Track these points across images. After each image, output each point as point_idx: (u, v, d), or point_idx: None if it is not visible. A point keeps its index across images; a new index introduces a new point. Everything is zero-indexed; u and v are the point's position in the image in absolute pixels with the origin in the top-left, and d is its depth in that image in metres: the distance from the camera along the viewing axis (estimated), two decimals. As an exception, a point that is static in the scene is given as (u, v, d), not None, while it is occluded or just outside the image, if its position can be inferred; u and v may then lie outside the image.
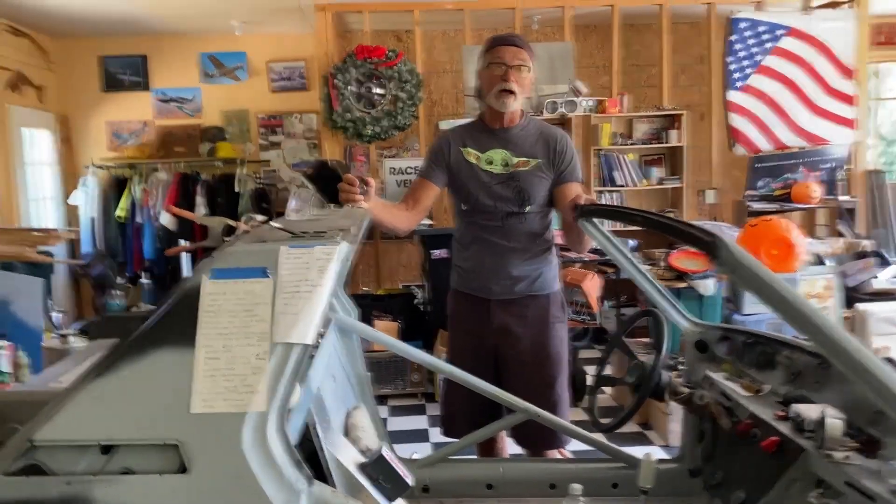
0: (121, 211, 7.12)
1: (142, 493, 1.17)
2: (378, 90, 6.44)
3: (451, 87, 7.69)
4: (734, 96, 6.59)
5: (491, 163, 2.69)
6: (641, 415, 4.42)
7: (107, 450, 1.22)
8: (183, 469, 1.19)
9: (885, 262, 5.37)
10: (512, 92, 2.61)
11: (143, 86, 7.53)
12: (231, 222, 1.64)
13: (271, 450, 1.19)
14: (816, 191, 6.38)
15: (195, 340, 1.23)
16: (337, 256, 1.31)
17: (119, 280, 6.18)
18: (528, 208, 2.67)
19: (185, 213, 1.73)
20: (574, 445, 2.69)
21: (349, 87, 6.37)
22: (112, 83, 7.50)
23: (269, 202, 7.48)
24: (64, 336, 1.95)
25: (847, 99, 6.64)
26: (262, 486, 1.16)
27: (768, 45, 6.57)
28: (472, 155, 2.70)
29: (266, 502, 1.15)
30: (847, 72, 6.60)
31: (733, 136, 6.63)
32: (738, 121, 6.62)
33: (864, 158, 6.90)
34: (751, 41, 6.56)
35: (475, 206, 2.69)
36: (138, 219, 7.17)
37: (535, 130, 2.74)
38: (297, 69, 7.66)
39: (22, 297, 3.85)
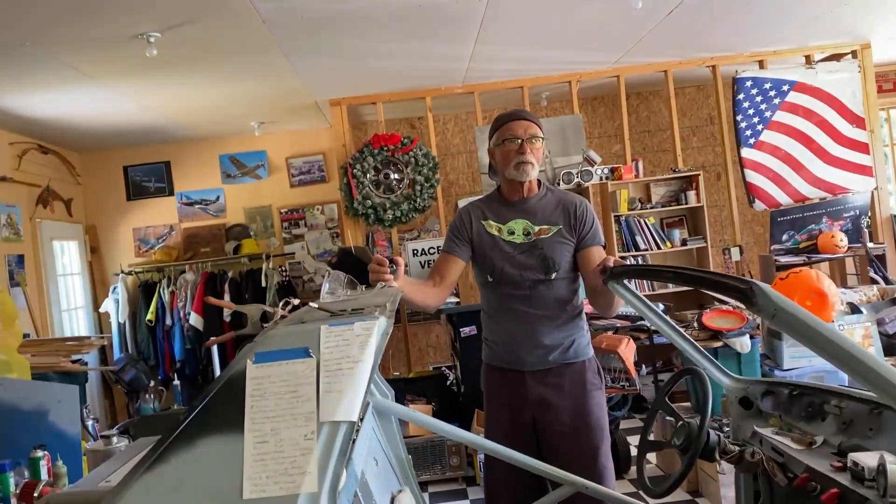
0: (150, 314, 7.20)
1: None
2: (395, 175, 6.57)
3: (465, 167, 7.84)
4: (748, 153, 6.65)
5: (513, 233, 2.72)
6: (691, 482, 4.28)
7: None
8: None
9: (922, 306, 5.26)
10: (530, 162, 2.67)
11: (168, 191, 7.73)
12: (268, 308, 1.66)
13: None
14: (843, 239, 6.34)
15: (243, 426, 1.23)
16: (377, 331, 1.32)
17: (151, 383, 6.19)
18: (553, 275, 2.67)
19: (223, 303, 1.75)
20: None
21: (367, 175, 6.51)
22: (137, 191, 7.72)
23: (294, 294, 7.54)
24: (107, 437, 1.95)
25: (861, 147, 6.67)
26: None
27: (776, 101, 6.67)
28: (493, 227, 2.74)
29: None
30: (858, 121, 6.66)
31: (752, 192, 6.65)
32: (754, 177, 6.66)
33: (887, 204, 6.86)
34: (758, 98, 6.66)
35: (501, 276, 2.70)
36: (167, 321, 7.25)
37: (554, 199, 2.78)
38: (315, 162, 7.85)
39: (59, 405, 3.86)
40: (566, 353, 2.66)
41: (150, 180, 7.70)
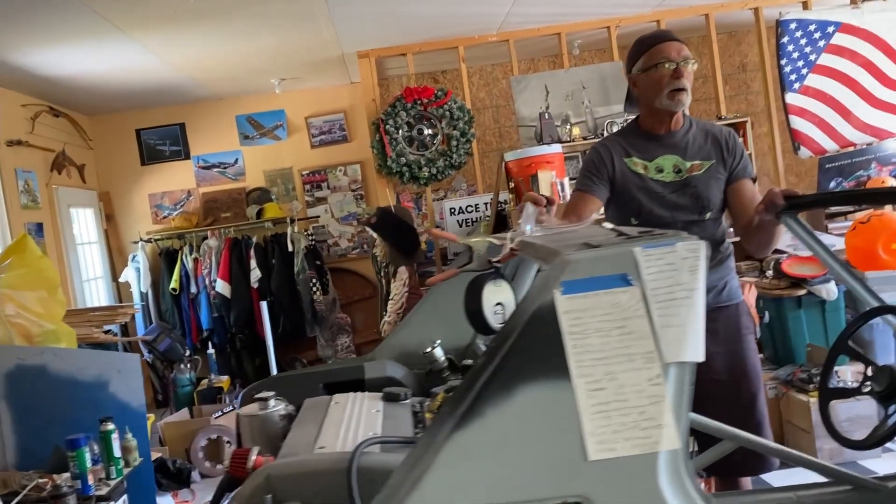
0: (174, 283, 6.91)
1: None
2: (429, 131, 6.28)
3: (492, 123, 7.55)
4: (793, 98, 6.42)
5: (661, 171, 2.48)
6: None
7: (486, 517, 0.97)
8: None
9: None
10: (686, 89, 2.42)
11: (184, 154, 7.39)
12: (495, 240, 1.42)
13: (693, 497, 0.95)
14: (893, 185, 6.17)
15: (568, 370, 0.99)
16: (703, 253, 1.08)
17: (187, 352, 5.93)
18: (707, 215, 2.46)
19: (447, 235, 1.50)
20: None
21: (400, 132, 6.22)
22: (151, 155, 7.37)
23: (321, 258, 7.28)
24: (263, 399, 1.71)
25: (908, 89, 6.47)
26: (702, 542, 0.92)
27: (821, 43, 6.43)
28: (638, 165, 2.49)
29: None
30: (904, 61, 6.45)
31: (797, 139, 6.44)
32: (799, 123, 6.43)
33: (934, 147, 6.69)
34: (802, 41, 6.42)
35: (648, 219, 2.46)
36: (192, 289, 6.96)
37: (702, 130, 2.54)
38: (336, 122, 7.53)
39: (120, 376, 3.61)
40: (720, 296, 2.45)
41: (164, 144, 7.34)
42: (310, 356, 7.20)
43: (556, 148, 5.36)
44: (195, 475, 4.85)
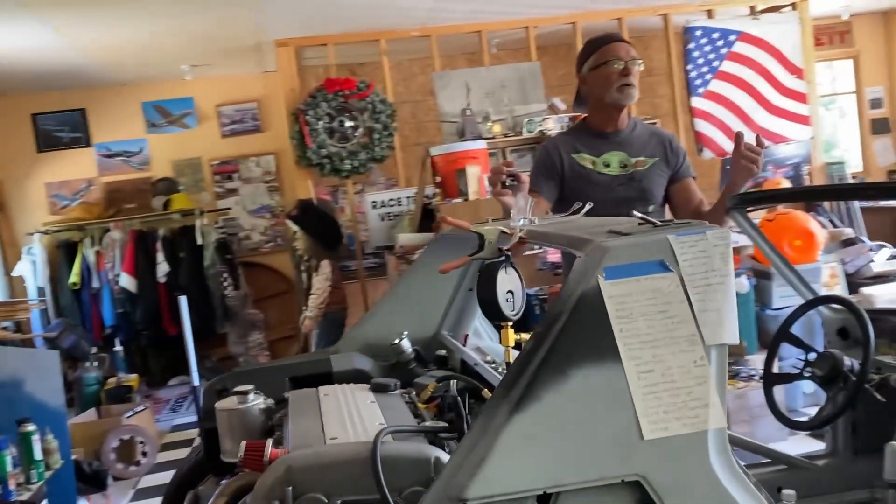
0: (74, 277, 6.54)
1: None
2: (350, 123, 6.21)
3: (410, 118, 7.54)
4: (697, 102, 6.76)
5: (608, 165, 2.57)
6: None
7: (544, 498, 0.98)
8: (648, 508, 0.97)
9: (879, 246, 5.56)
10: (633, 85, 2.52)
11: (85, 142, 7.00)
12: (506, 229, 1.42)
13: (738, 473, 0.99)
14: (785, 186, 6.59)
15: (618, 353, 1.01)
16: (730, 242, 1.13)
17: (93, 350, 5.63)
18: (651, 208, 2.57)
19: (460, 223, 1.49)
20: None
21: (321, 123, 6.12)
22: (48, 142, 6.94)
23: (231, 252, 7.07)
24: (243, 393, 1.66)
25: (800, 97, 6.93)
26: (752, 515, 0.96)
27: (723, 50, 6.79)
28: (586, 160, 2.57)
29: (762, 535, 0.95)
30: (797, 71, 6.90)
31: (700, 141, 6.78)
32: (703, 126, 6.78)
33: (821, 153, 7.19)
34: (707, 48, 6.76)
35: (594, 211, 2.54)
36: (94, 284, 6.61)
37: (646, 130, 2.67)
38: (249, 111, 7.33)
39: (38, 374, 3.39)
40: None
41: (63, 130, 6.93)
42: (220, 353, 6.99)
43: (482, 144, 5.43)
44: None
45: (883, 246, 5.72)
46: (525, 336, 1.37)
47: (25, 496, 2.90)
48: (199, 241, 6.77)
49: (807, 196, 1.99)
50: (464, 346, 2.16)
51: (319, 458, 1.24)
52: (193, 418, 5.99)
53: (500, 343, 1.36)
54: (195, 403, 4.63)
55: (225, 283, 6.79)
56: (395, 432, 1.30)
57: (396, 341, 2.13)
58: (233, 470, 1.77)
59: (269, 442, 1.25)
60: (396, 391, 1.69)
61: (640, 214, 1.19)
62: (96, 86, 6.86)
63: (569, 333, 1.02)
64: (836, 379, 2.12)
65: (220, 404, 1.67)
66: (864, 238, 6.08)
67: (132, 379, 5.68)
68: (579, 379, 1.00)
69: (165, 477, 4.78)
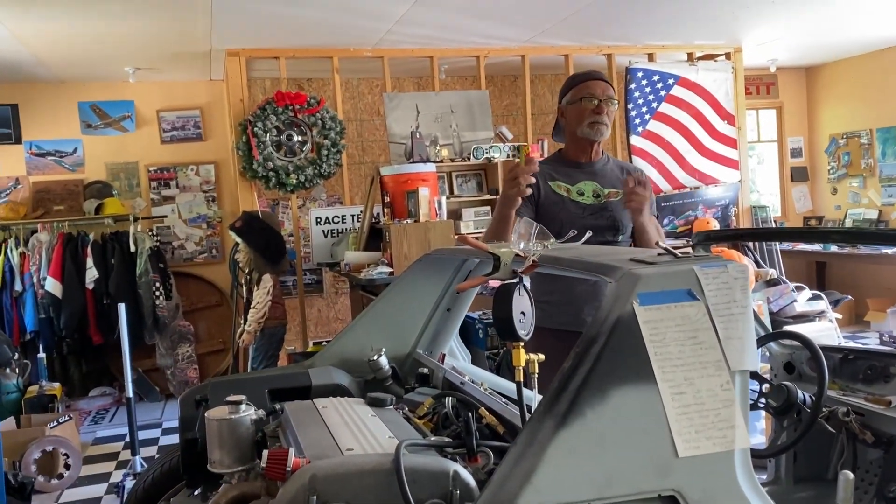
0: (-5, 278, 6.24)
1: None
2: (299, 138, 6.18)
3: (356, 136, 7.56)
4: (636, 141, 7.03)
5: (582, 194, 2.67)
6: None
7: (588, 511, 1.03)
8: (682, 522, 1.03)
9: (799, 288, 5.88)
10: (605, 123, 2.63)
11: (14, 138, 6.72)
12: (519, 252, 1.47)
13: (760, 490, 1.06)
14: (715, 226, 6.91)
15: (653, 375, 1.08)
16: (749, 276, 1.21)
17: (15, 356, 5.36)
18: (620, 237, 2.68)
19: (476, 243, 1.52)
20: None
21: (269, 136, 6.07)
22: (-25, 135, 6.63)
23: (164, 262, 6.89)
24: (234, 403, 1.64)
25: (730, 142, 7.31)
26: (775, 530, 1.04)
27: (662, 92, 7.10)
28: (561, 188, 2.67)
29: (785, 549, 1.02)
30: (729, 117, 7.28)
31: (637, 177, 7.04)
32: (641, 164, 7.04)
33: (748, 196, 7.57)
34: (647, 89, 7.05)
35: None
36: (17, 287, 6.32)
37: (616, 165, 2.79)
38: (191, 118, 7.20)
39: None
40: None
41: (-8, 124, 6.64)
42: (146, 364, 6.77)
43: (431, 167, 5.50)
44: (28, 491, 4.39)
45: (802, 287, 6.05)
46: (534, 357, 1.42)
47: (-43, 507, 2.75)
48: (133, 247, 6.56)
49: (772, 237, 2.13)
50: (441, 364, 2.20)
51: (343, 467, 1.25)
52: (117, 430, 5.79)
53: (512, 363, 1.40)
54: (128, 415, 4.48)
55: (156, 293, 6.60)
56: (413, 445, 1.32)
57: (375, 357, 2.15)
58: (213, 480, 1.74)
59: (292, 451, 1.25)
60: (391, 406, 1.71)
61: (663, 246, 1.26)
62: (31, 80, 6.62)
63: (608, 355, 1.08)
64: (790, 410, 2.25)
65: (211, 413, 1.65)
66: (785, 279, 6.43)
67: (55, 388, 5.45)
68: (619, 398, 1.06)
69: (89, 491, 4.60)
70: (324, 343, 6.41)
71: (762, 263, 6.78)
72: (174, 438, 5.40)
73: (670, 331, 1.11)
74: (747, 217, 7.45)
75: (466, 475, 1.28)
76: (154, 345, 6.71)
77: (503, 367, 4.46)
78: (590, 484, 1.02)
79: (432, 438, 1.47)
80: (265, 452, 1.26)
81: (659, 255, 1.28)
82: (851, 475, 2.15)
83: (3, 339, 5.32)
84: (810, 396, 2.32)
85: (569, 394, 1.05)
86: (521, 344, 1.41)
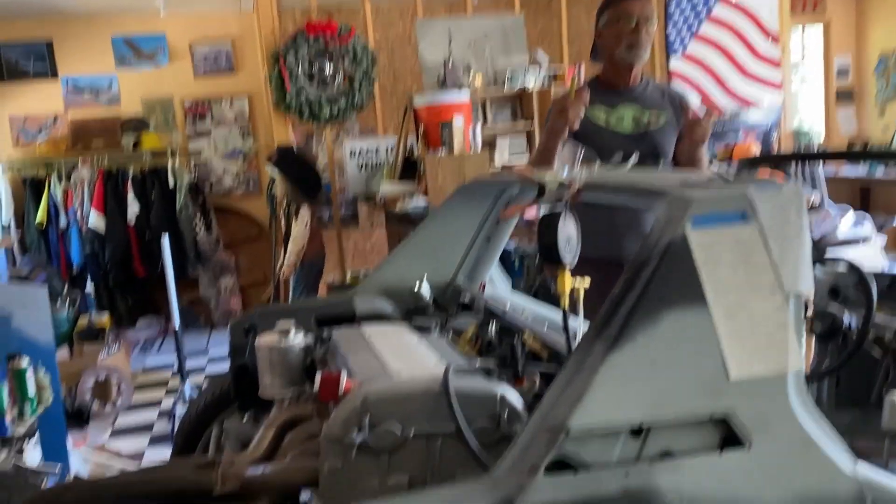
0: (41, 215, 6.38)
1: (707, 476, 1.02)
2: (331, 69, 6.12)
3: (387, 65, 7.43)
4: (676, 64, 6.84)
5: (621, 120, 2.62)
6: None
7: (637, 431, 1.04)
8: (731, 444, 1.04)
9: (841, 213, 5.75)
10: (643, 45, 2.55)
11: (51, 74, 6.75)
12: (563, 179, 1.46)
13: (814, 413, 1.07)
14: (755, 151, 6.74)
15: (705, 298, 1.07)
16: (804, 198, 1.19)
17: (65, 289, 5.52)
18: (661, 164, 2.63)
19: (521, 171, 1.51)
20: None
21: (301, 67, 6.02)
22: (12, 73, 6.67)
23: (204, 196, 6.97)
24: (285, 332, 1.68)
25: (773, 63, 7.05)
26: (826, 452, 1.04)
27: (703, 13, 6.85)
28: (600, 115, 2.61)
29: (836, 471, 1.03)
30: (772, 36, 7.01)
31: (676, 102, 6.87)
32: (680, 88, 6.86)
33: (791, 119, 7.36)
34: (687, 10, 6.81)
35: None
36: (62, 222, 6.46)
37: (657, 87, 2.72)
38: (223, 51, 7.14)
39: (26, 310, 3.34)
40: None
41: (28, 61, 6.67)
42: (190, 296, 6.92)
43: (466, 96, 5.41)
44: (84, 417, 4.60)
45: (846, 210, 5.91)
46: (580, 283, 1.42)
47: (21, 431, 2.88)
48: (172, 183, 6.64)
49: (818, 159, 2.07)
50: (482, 293, 2.21)
51: (394, 390, 1.28)
52: (165, 360, 5.97)
53: (557, 288, 1.40)
54: (176, 344, 4.62)
55: (197, 227, 6.70)
56: (461, 369, 1.34)
57: (417, 286, 2.17)
58: (263, 405, 1.80)
59: (344, 374, 1.28)
60: (436, 332, 1.74)
61: (716, 168, 1.23)
62: (63, 16, 6.60)
63: (659, 278, 1.08)
64: (835, 335, 2.23)
65: (261, 340, 1.69)
66: (829, 204, 6.28)
67: (104, 319, 5.62)
68: (670, 321, 1.06)
69: (142, 416, 4.79)
70: (362, 273, 6.50)
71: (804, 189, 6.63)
72: (220, 366, 5.57)
73: (723, 254, 1.10)
74: (790, 141, 7.26)
75: (514, 397, 1.30)
76: (196, 277, 6.86)
77: (538, 297, 4.48)
78: (640, 406, 1.03)
79: (478, 362, 1.49)
80: (318, 376, 1.29)
81: (710, 179, 1.25)
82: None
83: (51, 273, 5.48)
84: (856, 321, 2.29)
85: (619, 318, 1.05)
86: (567, 270, 1.41)
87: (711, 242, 1.10)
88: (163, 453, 4.05)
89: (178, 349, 4.56)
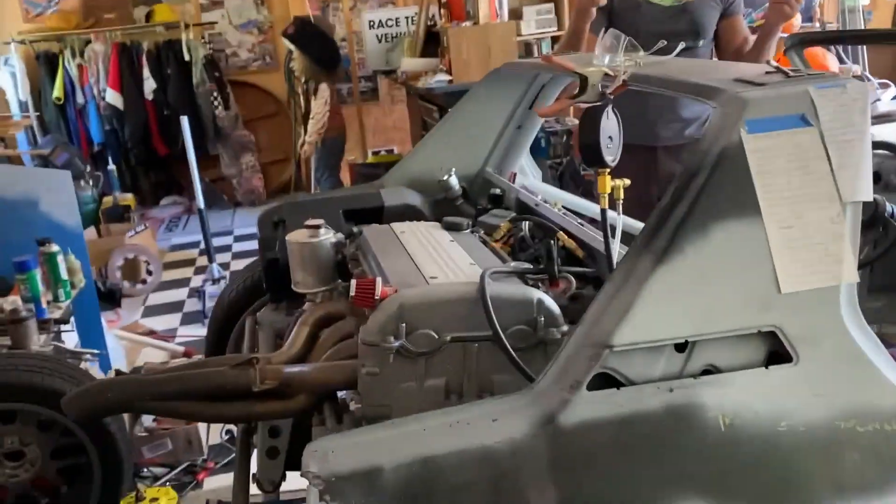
0: (58, 91, 6.29)
1: (753, 392, 1.00)
2: (347, -67, 5.79)
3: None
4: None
5: None
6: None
7: (682, 346, 1.03)
8: (780, 358, 1.02)
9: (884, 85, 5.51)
10: None
11: (55, -59, 6.46)
12: (609, 71, 1.37)
13: (866, 327, 1.04)
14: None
15: (759, 208, 1.02)
16: (868, 96, 1.10)
17: (88, 168, 5.51)
18: (701, 42, 2.51)
19: (561, 63, 1.43)
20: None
21: (316, -69, 5.70)
22: (16, -60, 6.39)
23: (220, 70, 6.80)
24: (313, 227, 1.66)
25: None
26: (877, 366, 1.02)
27: None
28: None
29: (887, 385, 1.01)
30: None
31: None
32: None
33: (834, -17, 6.93)
34: None
35: (644, 44, 2.46)
36: (79, 99, 6.37)
37: None
38: (232, -87, 6.77)
39: (52, 194, 3.34)
40: (704, 128, 2.55)
41: (31, -73, 6.37)
42: (212, 174, 6.90)
43: (491, -38, 5.12)
44: (116, 295, 4.71)
45: (887, 85, 5.67)
46: (619, 182, 1.37)
47: (57, 314, 2.95)
48: (187, 56, 6.47)
49: (870, 40, 1.94)
50: (512, 184, 2.16)
51: (430, 296, 1.27)
52: (191, 238, 6.02)
53: (597, 189, 1.35)
54: (201, 223, 4.63)
55: (215, 103, 6.59)
56: (496, 273, 1.32)
57: (445, 177, 2.12)
58: (295, 296, 1.80)
59: (379, 280, 1.27)
60: (468, 230, 1.70)
61: (774, 63, 1.15)
62: None
63: (710, 189, 1.02)
64: (876, 223, 2.17)
65: (292, 237, 1.67)
66: (869, 76, 6.02)
67: (129, 198, 5.64)
68: (721, 233, 1.01)
69: (172, 295, 4.89)
70: (383, 152, 6.43)
71: (845, 59, 6.33)
72: (246, 245, 5.63)
73: (780, 160, 1.04)
74: (832, 6, 6.86)
75: (550, 302, 1.28)
76: (217, 155, 6.81)
77: (566, 178, 4.41)
78: (688, 320, 1.01)
79: (513, 264, 1.47)
80: (353, 282, 1.27)
81: (767, 73, 1.17)
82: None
83: (73, 152, 5.45)
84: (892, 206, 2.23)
85: (668, 230, 1.01)
86: (608, 170, 1.35)
87: (768, 148, 1.04)
88: (195, 331, 4.16)
89: (204, 229, 4.58)
